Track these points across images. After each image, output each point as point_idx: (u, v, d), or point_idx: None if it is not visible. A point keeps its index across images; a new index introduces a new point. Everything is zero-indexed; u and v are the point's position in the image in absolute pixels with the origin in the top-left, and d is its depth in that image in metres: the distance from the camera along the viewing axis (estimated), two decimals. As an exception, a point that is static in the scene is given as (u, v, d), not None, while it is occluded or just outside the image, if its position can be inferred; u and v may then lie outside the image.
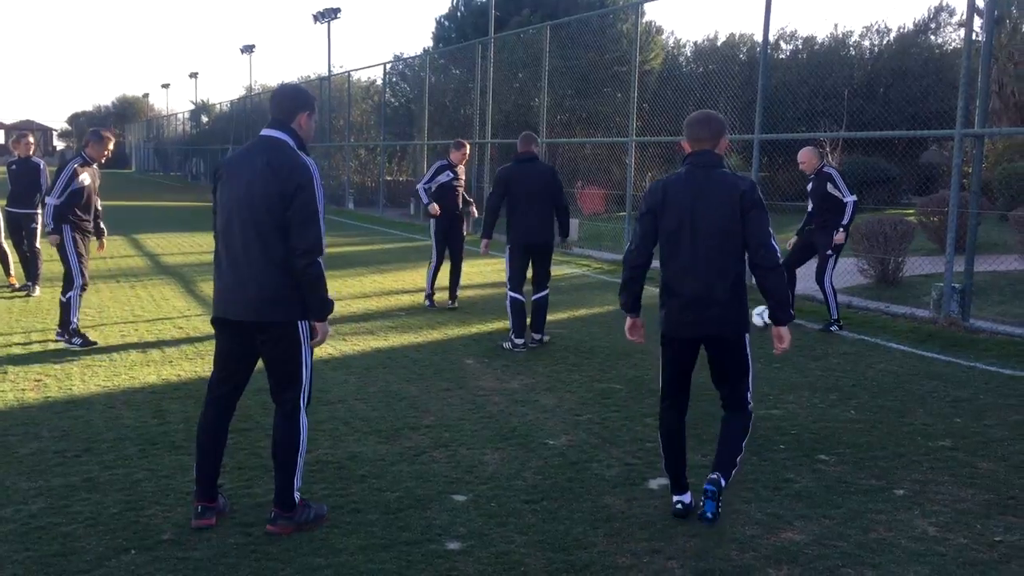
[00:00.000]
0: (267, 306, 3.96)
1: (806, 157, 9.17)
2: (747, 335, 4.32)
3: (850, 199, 8.85)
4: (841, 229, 8.90)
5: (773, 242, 4.16)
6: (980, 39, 9.67)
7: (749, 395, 4.43)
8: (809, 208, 9.30)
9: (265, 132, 4.16)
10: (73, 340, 7.78)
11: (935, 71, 22.97)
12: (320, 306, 4.00)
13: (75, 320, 7.83)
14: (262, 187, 3.94)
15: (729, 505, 4.46)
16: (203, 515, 4.10)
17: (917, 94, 21.68)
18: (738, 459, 4.35)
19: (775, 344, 4.31)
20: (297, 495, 4.07)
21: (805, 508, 4.45)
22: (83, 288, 7.87)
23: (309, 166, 4.01)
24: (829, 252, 9.01)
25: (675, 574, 3.72)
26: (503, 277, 8.39)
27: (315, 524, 4.09)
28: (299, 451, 4.07)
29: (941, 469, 5.04)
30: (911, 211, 15.98)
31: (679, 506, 4.30)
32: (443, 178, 10.23)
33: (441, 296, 10.43)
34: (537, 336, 8.27)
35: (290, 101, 4.17)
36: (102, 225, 8.29)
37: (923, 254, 12.56)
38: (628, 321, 4.59)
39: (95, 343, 7.82)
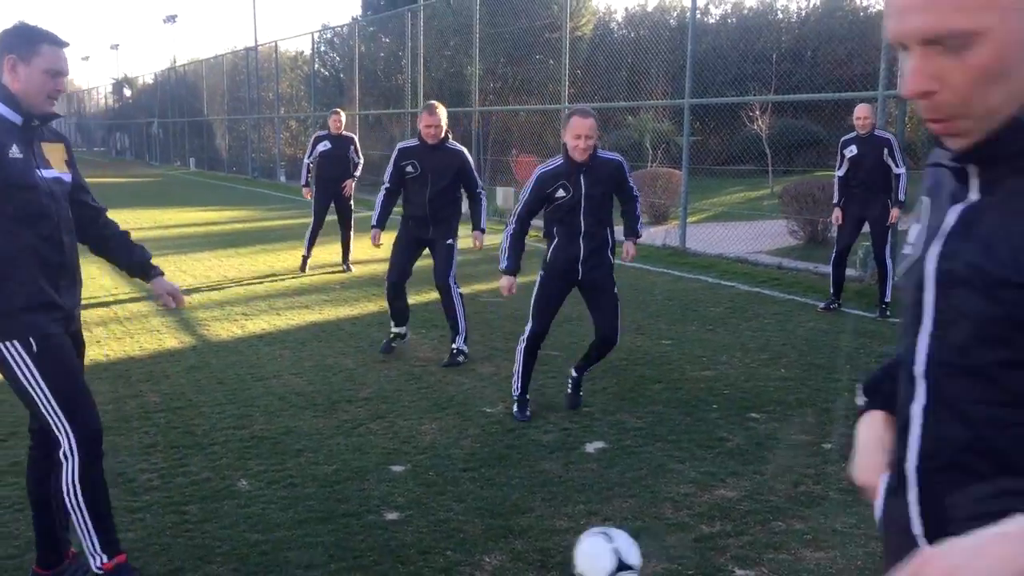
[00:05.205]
0: None
1: (866, 113, 8.03)
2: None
3: (902, 170, 8.00)
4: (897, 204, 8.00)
5: (515, 210, 5.30)
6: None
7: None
8: (841, 174, 8.23)
9: None
10: None
11: (860, 34, 23.38)
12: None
13: None
14: None
15: (664, 465, 4.55)
16: None
17: (843, 57, 22.05)
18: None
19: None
20: (101, 559, 3.19)
21: (737, 465, 4.55)
22: None
23: None
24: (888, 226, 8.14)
25: (611, 534, 3.78)
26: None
27: None
28: (76, 505, 3.15)
29: (867, 423, 5.19)
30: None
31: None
32: (321, 147, 10.67)
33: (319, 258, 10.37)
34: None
35: None
36: None
37: (850, 214, 12.83)
38: None
39: None
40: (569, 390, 5.59)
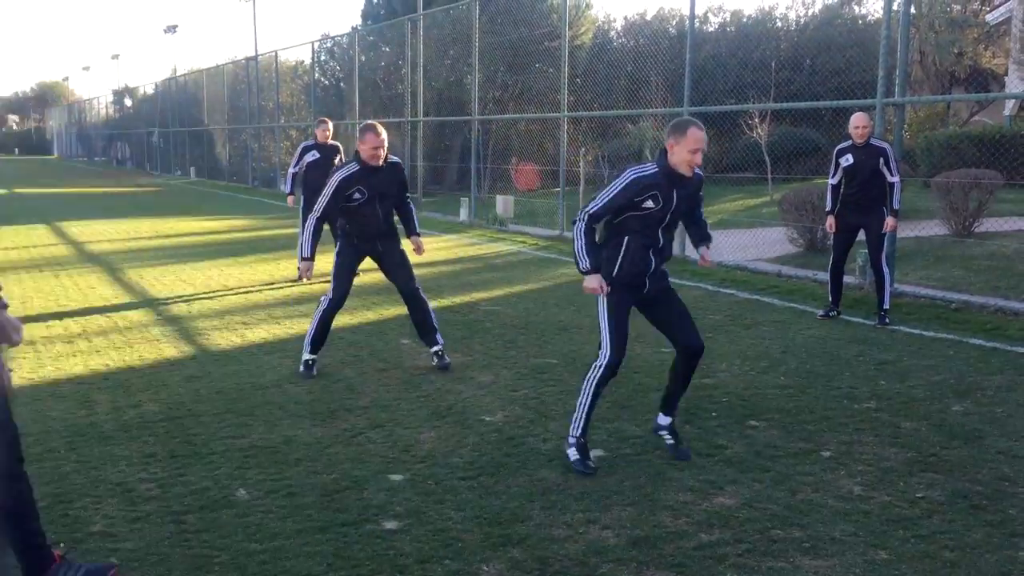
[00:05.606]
0: None
1: (863, 122, 8.00)
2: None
3: (897, 179, 7.99)
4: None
5: (587, 206, 4.63)
6: (899, 9, 9.87)
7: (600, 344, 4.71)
8: (834, 182, 8.28)
9: None
10: None
11: (858, 42, 23.43)
12: None
13: None
14: None
15: (663, 473, 4.55)
16: None
17: (841, 65, 22.10)
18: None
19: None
20: None
21: (736, 473, 4.55)
22: None
23: None
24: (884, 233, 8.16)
25: (610, 543, 3.78)
26: (427, 257, 7.54)
27: None
28: None
29: (866, 430, 5.19)
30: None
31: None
32: (310, 158, 10.63)
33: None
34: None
35: None
36: None
37: (849, 222, 12.83)
38: None
39: None
40: (669, 441, 4.86)
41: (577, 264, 4.57)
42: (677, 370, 4.83)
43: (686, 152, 4.47)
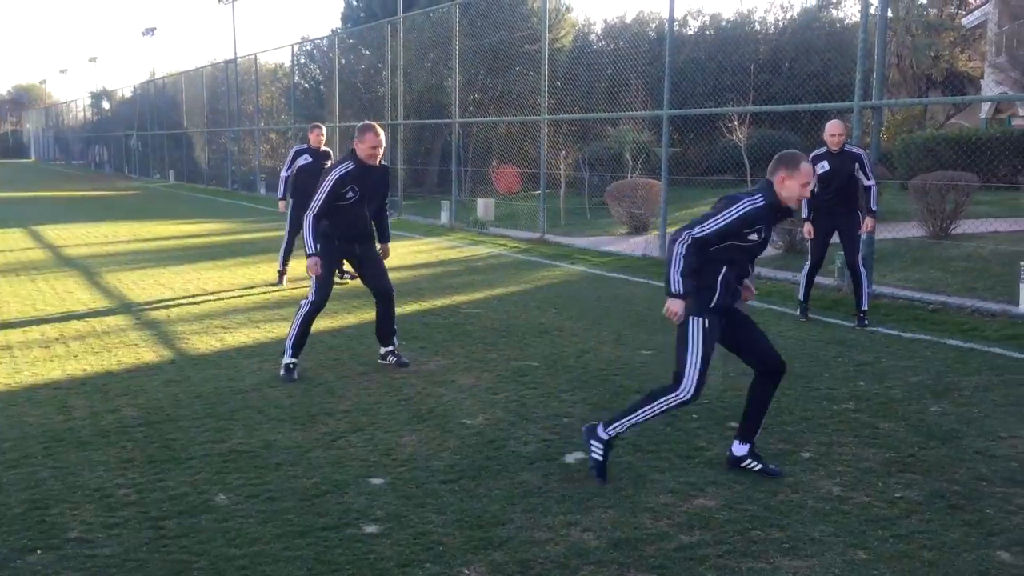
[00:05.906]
0: None
1: (839, 130, 8.12)
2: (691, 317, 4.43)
3: (873, 182, 8.13)
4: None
5: (691, 228, 4.35)
6: (876, 13, 9.95)
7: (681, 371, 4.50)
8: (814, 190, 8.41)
9: None
10: None
11: (836, 45, 23.61)
12: None
13: None
14: None
15: (643, 475, 4.56)
16: None
17: (819, 68, 22.26)
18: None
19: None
20: None
21: (717, 475, 4.56)
22: None
23: None
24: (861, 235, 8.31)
25: (591, 545, 3.79)
26: (408, 260, 7.85)
27: None
28: None
29: (845, 431, 5.23)
30: (816, 182, 16.35)
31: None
32: (302, 161, 10.53)
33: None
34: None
35: None
36: None
37: (828, 224, 12.91)
38: None
39: None
40: (757, 467, 4.60)
41: (669, 285, 4.31)
42: (757, 392, 4.65)
43: (798, 186, 4.33)
